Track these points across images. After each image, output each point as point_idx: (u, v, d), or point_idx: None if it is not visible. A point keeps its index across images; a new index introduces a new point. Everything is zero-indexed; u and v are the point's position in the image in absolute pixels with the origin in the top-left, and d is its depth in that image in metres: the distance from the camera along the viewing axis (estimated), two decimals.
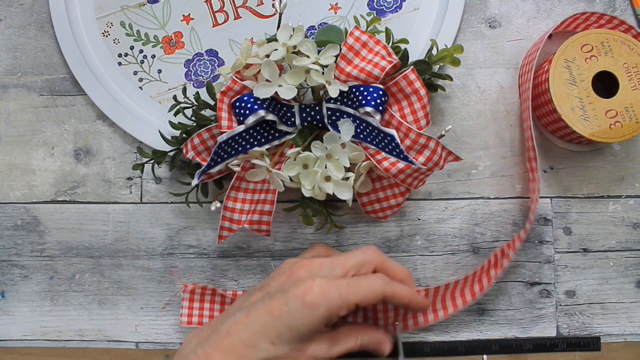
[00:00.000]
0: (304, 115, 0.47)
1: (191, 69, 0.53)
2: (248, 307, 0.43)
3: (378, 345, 0.46)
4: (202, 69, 0.53)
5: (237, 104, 0.46)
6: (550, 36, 0.53)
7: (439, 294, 0.50)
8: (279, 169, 0.46)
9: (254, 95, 0.45)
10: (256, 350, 0.42)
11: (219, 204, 0.50)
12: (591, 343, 0.52)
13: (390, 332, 0.50)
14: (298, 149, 0.46)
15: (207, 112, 0.50)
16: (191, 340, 0.44)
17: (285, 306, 0.42)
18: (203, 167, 0.47)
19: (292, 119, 0.47)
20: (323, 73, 0.45)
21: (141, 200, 0.54)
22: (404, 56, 0.48)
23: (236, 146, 0.47)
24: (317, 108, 0.47)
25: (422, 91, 0.47)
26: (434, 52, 0.49)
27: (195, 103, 0.51)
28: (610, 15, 0.50)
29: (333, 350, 0.43)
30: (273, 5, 0.53)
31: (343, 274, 0.43)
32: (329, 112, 0.47)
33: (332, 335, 0.44)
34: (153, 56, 0.54)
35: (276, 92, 0.45)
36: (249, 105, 0.46)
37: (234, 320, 0.43)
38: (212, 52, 0.54)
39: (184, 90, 0.52)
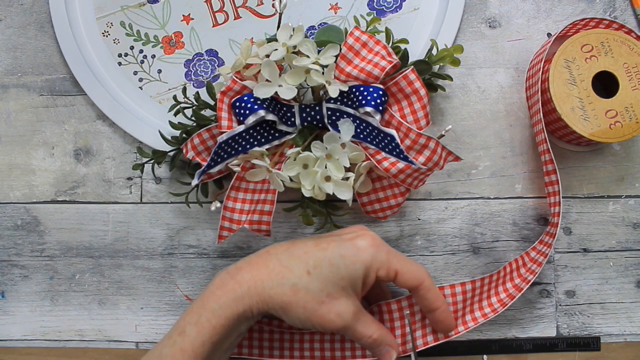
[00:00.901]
0: (304, 115, 0.47)
1: (191, 69, 0.53)
2: (294, 240, 0.44)
3: (388, 350, 0.45)
4: (202, 69, 0.53)
5: (237, 104, 0.46)
6: (549, 34, 0.53)
7: (459, 309, 0.49)
8: (279, 169, 0.46)
9: (254, 95, 0.45)
10: (289, 273, 0.41)
11: (219, 204, 0.50)
12: (591, 343, 0.52)
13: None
14: (298, 149, 0.46)
15: (207, 112, 0.50)
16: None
17: (334, 243, 0.42)
18: (203, 167, 0.47)
19: (292, 119, 0.47)
20: (323, 73, 0.45)
21: (141, 200, 0.54)
22: (404, 56, 0.48)
23: (236, 146, 0.47)
24: (317, 108, 0.47)
25: (422, 91, 0.46)
26: (434, 52, 0.49)
27: (195, 103, 0.51)
28: (610, 19, 0.50)
29: (356, 325, 0.43)
30: (273, 5, 0.53)
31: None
32: (329, 112, 0.47)
33: (360, 310, 0.43)
34: (153, 56, 0.54)
35: (276, 92, 0.45)
36: (249, 105, 0.46)
37: (278, 244, 0.44)
38: (212, 52, 0.53)
39: (184, 90, 0.52)
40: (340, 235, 0.44)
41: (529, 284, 0.48)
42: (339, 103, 0.47)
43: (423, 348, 0.49)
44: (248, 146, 0.47)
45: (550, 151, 0.48)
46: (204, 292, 0.43)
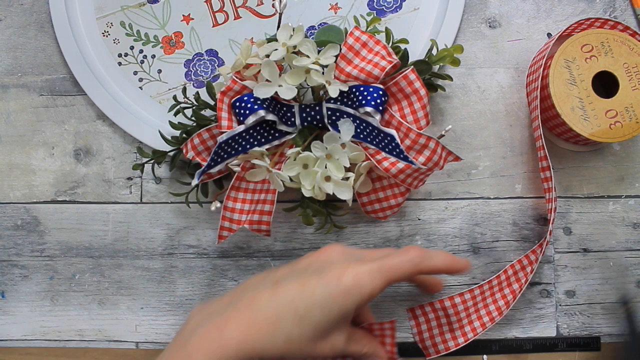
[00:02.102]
0: (304, 115, 0.47)
1: (191, 69, 0.53)
2: (275, 281, 0.40)
3: None
4: (202, 69, 0.53)
5: (237, 104, 0.46)
6: (549, 34, 0.53)
7: (462, 318, 0.50)
8: (279, 169, 0.46)
9: (254, 95, 0.45)
10: (279, 328, 0.39)
11: (219, 204, 0.50)
12: (591, 343, 0.52)
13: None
14: (298, 149, 0.46)
15: (207, 112, 0.50)
16: (195, 315, 0.40)
17: (320, 286, 0.39)
18: (203, 167, 0.47)
19: (292, 119, 0.47)
20: (323, 73, 0.45)
21: (141, 200, 0.54)
22: (404, 56, 0.48)
23: (236, 146, 0.47)
24: (317, 108, 0.47)
25: (422, 91, 0.46)
26: (434, 52, 0.49)
27: (195, 103, 0.51)
28: (615, 20, 0.50)
29: (349, 347, 0.42)
30: (273, 5, 0.53)
31: (374, 257, 0.41)
32: (329, 112, 0.47)
33: (351, 331, 0.42)
34: (153, 56, 0.54)
35: (276, 92, 0.45)
36: (249, 105, 0.46)
37: (256, 293, 0.40)
38: (212, 52, 0.54)
39: (184, 90, 0.52)
40: (321, 272, 0.40)
41: (523, 287, 0.49)
42: (339, 103, 0.47)
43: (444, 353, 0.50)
44: (248, 146, 0.47)
45: (545, 147, 0.48)
46: (186, 339, 0.39)
